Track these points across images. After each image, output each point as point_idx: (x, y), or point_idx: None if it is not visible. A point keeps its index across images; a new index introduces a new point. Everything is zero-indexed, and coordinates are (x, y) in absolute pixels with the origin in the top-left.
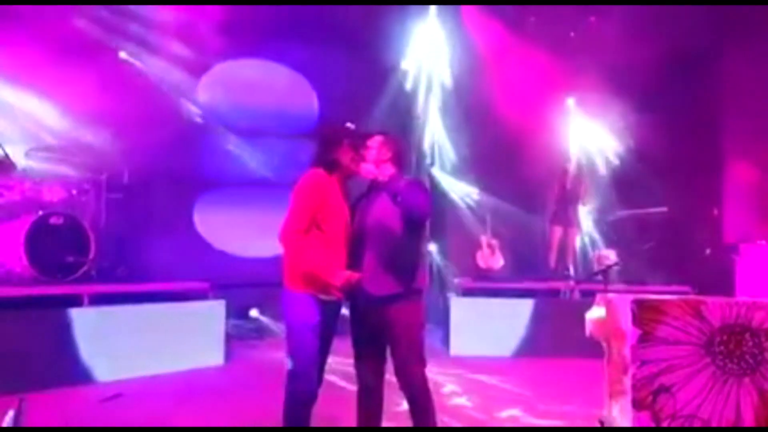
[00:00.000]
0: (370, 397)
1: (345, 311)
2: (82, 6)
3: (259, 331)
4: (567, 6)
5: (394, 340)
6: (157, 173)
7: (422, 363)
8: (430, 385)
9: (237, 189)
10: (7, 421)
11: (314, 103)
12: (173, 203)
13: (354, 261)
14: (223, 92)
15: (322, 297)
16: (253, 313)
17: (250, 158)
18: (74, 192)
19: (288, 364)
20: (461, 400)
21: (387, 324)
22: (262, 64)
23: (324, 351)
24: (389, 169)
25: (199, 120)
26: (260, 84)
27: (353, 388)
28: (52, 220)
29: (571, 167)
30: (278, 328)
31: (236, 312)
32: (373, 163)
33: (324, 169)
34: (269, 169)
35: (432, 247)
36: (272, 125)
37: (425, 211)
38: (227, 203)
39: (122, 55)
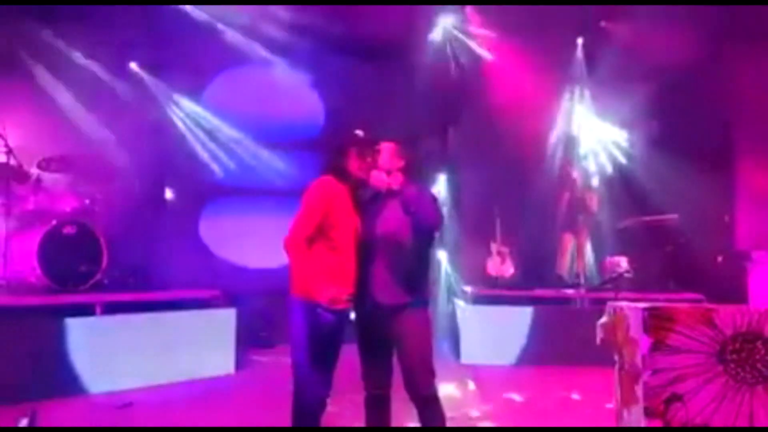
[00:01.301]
0: (378, 407)
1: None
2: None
3: (269, 341)
4: (575, 7)
5: (403, 349)
6: (168, 182)
7: (432, 372)
8: (440, 394)
9: (247, 198)
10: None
11: (322, 111)
12: (185, 212)
13: (362, 269)
14: (233, 100)
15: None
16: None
17: (263, 167)
18: (87, 202)
19: (292, 371)
20: (472, 409)
21: (396, 333)
22: (270, 71)
23: (332, 359)
24: (399, 178)
25: (209, 129)
26: (271, 91)
27: (360, 398)
28: (66, 230)
29: (579, 174)
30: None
31: (247, 320)
32: (385, 170)
33: (333, 177)
34: (281, 178)
35: (442, 255)
36: (282, 133)
37: (436, 221)
38: (235, 212)
39: (133, 66)
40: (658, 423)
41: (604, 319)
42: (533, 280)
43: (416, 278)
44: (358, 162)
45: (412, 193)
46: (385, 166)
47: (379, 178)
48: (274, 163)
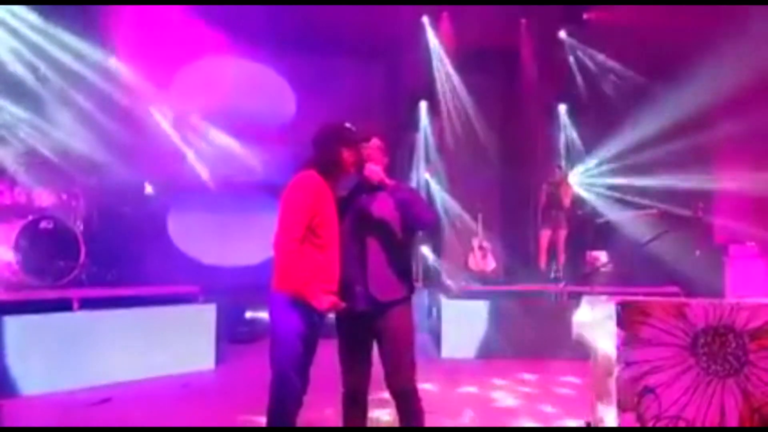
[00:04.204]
0: (355, 402)
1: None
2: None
3: (253, 333)
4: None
5: (388, 344)
6: (146, 177)
7: (413, 367)
8: (419, 389)
9: (225, 193)
10: None
11: (294, 107)
12: (164, 207)
13: (353, 266)
14: (206, 95)
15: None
16: (248, 314)
17: (240, 162)
18: (64, 197)
19: (272, 368)
20: (453, 403)
21: (383, 329)
22: (242, 65)
23: (311, 356)
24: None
25: (185, 123)
26: (244, 87)
27: (338, 392)
28: (42, 225)
29: (557, 171)
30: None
31: (227, 315)
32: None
33: (318, 172)
34: (259, 174)
35: (425, 250)
36: (252, 129)
37: (433, 220)
38: (214, 208)
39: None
40: (630, 416)
41: (579, 313)
42: (514, 274)
43: (408, 274)
44: (353, 156)
45: (406, 192)
46: (375, 161)
47: (374, 171)
48: (251, 158)
